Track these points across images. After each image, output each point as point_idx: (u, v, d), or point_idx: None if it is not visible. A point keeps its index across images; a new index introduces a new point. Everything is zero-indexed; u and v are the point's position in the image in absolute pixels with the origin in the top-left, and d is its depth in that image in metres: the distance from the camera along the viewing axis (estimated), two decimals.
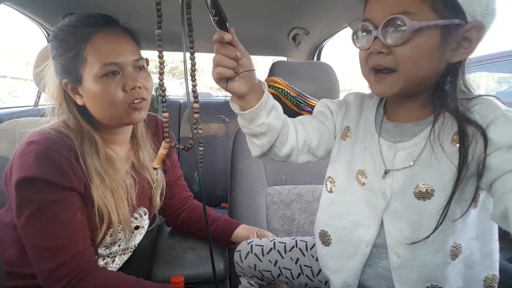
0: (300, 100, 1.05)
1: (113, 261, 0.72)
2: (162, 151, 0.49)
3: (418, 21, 0.43)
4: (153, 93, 0.64)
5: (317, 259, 0.71)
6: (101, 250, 0.67)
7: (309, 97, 1.07)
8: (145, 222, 0.78)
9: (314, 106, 1.07)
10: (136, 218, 0.74)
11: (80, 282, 0.58)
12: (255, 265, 0.73)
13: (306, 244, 0.75)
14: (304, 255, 0.73)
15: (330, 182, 0.61)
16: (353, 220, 0.56)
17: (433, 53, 0.45)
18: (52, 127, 0.62)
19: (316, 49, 1.73)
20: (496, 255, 0.53)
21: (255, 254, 0.74)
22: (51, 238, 0.57)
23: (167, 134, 0.48)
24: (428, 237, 0.48)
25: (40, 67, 0.92)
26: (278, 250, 0.74)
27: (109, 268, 0.71)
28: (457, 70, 0.48)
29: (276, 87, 1.05)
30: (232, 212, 0.98)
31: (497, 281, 0.53)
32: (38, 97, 1.64)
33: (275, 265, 0.72)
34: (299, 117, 0.63)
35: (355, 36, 0.52)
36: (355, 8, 1.12)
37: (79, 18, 0.63)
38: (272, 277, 0.74)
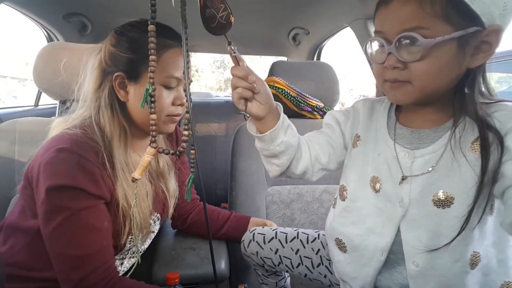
0: (300, 100, 1.05)
1: (122, 263, 0.71)
2: (147, 158, 0.44)
3: (432, 36, 0.41)
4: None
5: (317, 252, 0.72)
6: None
7: (309, 97, 1.07)
8: (156, 227, 0.79)
9: (314, 106, 1.07)
10: (150, 224, 0.75)
11: None
12: (257, 252, 0.75)
13: (307, 237, 0.75)
14: (305, 247, 0.74)
15: (343, 190, 0.60)
16: (367, 227, 0.55)
17: (451, 64, 0.44)
18: (77, 129, 0.61)
19: (316, 49, 1.74)
20: (511, 262, 0.52)
21: (256, 242, 0.75)
22: (82, 246, 0.56)
23: (153, 139, 0.44)
24: (449, 243, 0.46)
25: (40, 66, 0.93)
26: (279, 240, 0.75)
27: (123, 267, 0.71)
28: (475, 74, 0.47)
29: (276, 87, 1.05)
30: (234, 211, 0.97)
31: (482, 258, 0.52)
32: (38, 97, 1.64)
33: (275, 253, 0.74)
34: (307, 134, 0.63)
35: (367, 50, 0.51)
36: (355, 8, 1.13)
37: (159, 26, 0.65)
38: (273, 265, 0.75)
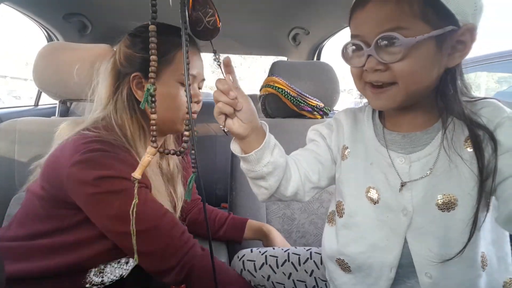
0: (300, 100, 1.05)
1: (127, 262, 0.71)
2: (147, 157, 0.44)
3: (411, 35, 0.42)
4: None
5: (310, 274, 0.68)
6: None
7: (309, 97, 1.07)
8: None
9: (314, 106, 1.07)
10: None
11: (192, 260, 0.59)
12: (250, 280, 0.72)
13: (299, 258, 0.71)
14: (297, 270, 0.70)
15: (339, 205, 0.57)
16: (370, 244, 0.52)
17: (431, 62, 0.45)
18: (100, 130, 0.61)
19: (316, 49, 1.74)
20: (510, 258, 0.51)
21: (248, 270, 0.72)
22: (149, 219, 0.57)
23: (154, 138, 0.44)
24: (462, 251, 0.45)
25: (40, 66, 0.93)
26: (270, 265, 0.71)
27: (123, 268, 0.71)
28: (454, 73, 0.47)
29: (276, 87, 1.05)
30: (233, 212, 0.97)
31: (488, 257, 0.51)
32: (38, 97, 1.64)
33: (268, 279, 0.70)
34: (293, 154, 0.60)
35: (345, 54, 0.50)
36: None
37: (171, 27, 0.66)
38: None
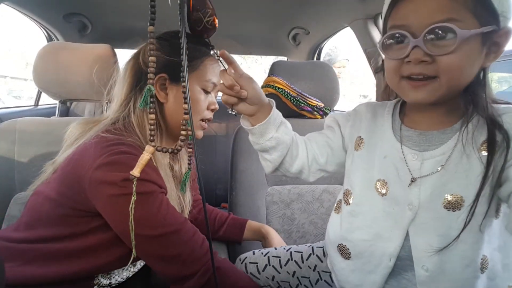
0: (300, 100, 1.05)
1: (135, 265, 0.71)
2: (146, 156, 0.44)
3: (464, 28, 0.41)
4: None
5: (314, 269, 0.69)
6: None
7: (309, 97, 1.07)
8: None
9: (314, 106, 1.07)
10: None
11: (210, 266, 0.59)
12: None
13: (301, 255, 0.72)
14: (301, 268, 0.71)
15: (348, 194, 0.58)
16: (374, 233, 0.53)
17: (476, 60, 0.44)
18: (120, 132, 0.61)
19: (316, 49, 1.74)
20: None
21: (251, 273, 0.73)
22: (169, 224, 0.57)
23: (152, 138, 0.44)
24: (454, 240, 0.46)
25: (40, 66, 0.92)
26: (273, 266, 0.72)
27: (131, 270, 0.71)
28: (485, 73, 0.47)
29: (276, 87, 1.05)
30: (232, 212, 0.97)
31: (490, 261, 0.51)
32: (38, 97, 1.64)
33: (272, 280, 0.71)
34: (308, 135, 0.63)
35: (384, 45, 0.48)
36: (355, 8, 1.13)
37: (199, 37, 0.68)
38: None
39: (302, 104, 1.06)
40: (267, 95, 1.16)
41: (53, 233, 0.59)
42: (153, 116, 0.44)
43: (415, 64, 0.44)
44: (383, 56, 0.51)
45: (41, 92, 1.62)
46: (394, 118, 0.57)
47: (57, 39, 1.48)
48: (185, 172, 0.48)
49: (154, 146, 0.44)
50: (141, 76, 0.66)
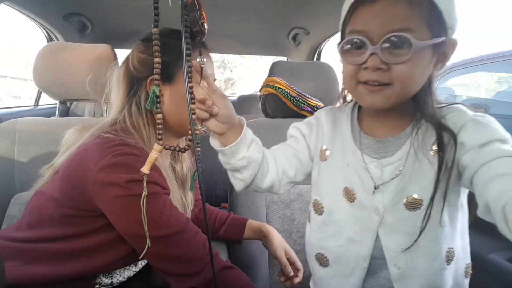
0: (300, 100, 1.05)
1: (136, 264, 0.72)
2: (155, 154, 0.45)
3: (418, 39, 0.42)
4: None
5: None
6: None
7: (309, 97, 1.07)
8: None
9: (314, 106, 1.07)
10: None
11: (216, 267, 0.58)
12: None
13: None
14: None
15: (318, 204, 0.60)
16: (347, 237, 0.56)
17: (426, 69, 0.47)
18: (121, 134, 0.61)
19: (316, 49, 1.74)
20: (469, 245, 0.56)
21: None
22: (173, 224, 0.57)
23: (160, 136, 0.45)
24: (415, 242, 0.50)
25: (40, 66, 0.92)
26: None
27: (132, 270, 0.71)
28: (431, 82, 0.50)
29: (276, 87, 1.05)
30: (233, 212, 0.97)
31: (471, 267, 0.57)
32: (38, 97, 1.64)
33: None
34: (275, 148, 0.62)
35: (342, 49, 0.49)
36: None
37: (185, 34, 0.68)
38: None
39: (302, 104, 1.06)
40: (267, 95, 1.16)
41: (55, 233, 0.59)
42: (160, 116, 0.44)
43: (372, 71, 0.46)
44: (341, 60, 0.52)
45: (41, 92, 1.62)
46: (353, 124, 0.58)
47: (57, 39, 1.48)
48: (194, 171, 0.49)
49: (162, 145, 0.45)
50: (133, 81, 0.66)
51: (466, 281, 0.56)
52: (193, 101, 0.45)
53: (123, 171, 0.54)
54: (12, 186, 0.86)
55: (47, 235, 0.59)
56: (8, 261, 0.57)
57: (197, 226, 0.86)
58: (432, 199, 0.48)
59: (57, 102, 1.16)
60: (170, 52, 0.61)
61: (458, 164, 0.48)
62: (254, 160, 0.53)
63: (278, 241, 0.85)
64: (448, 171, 0.48)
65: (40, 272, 0.57)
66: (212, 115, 0.49)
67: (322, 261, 0.60)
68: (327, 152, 0.59)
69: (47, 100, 1.68)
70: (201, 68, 0.47)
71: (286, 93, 1.04)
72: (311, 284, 0.68)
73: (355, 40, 0.46)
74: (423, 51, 0.44)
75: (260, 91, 1.13)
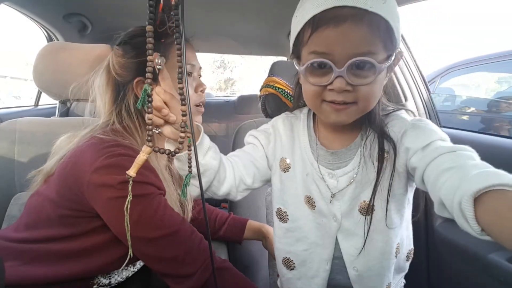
0: None
1: (134, 265, 0.72)
2: (143, 156, 0.43)
3: (379, 60, 0.44)
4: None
5: None
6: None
7: None
8: None
9: None
10: None
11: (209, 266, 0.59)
12: None
13: None
14: None
15: (282, 213, 0.62)
16: (311, 242, 0.59)
17: (383, 84, 0.50)
18: (114, 135, 0.60)
19: None
20: (411, 233, 0.61)
21: None
22: (167, 225, 0.57)
23: (149, 138, 0.43)
24: (364, 245, 0.54)
25: (40, 66, 0.92)
26: None
27: (130, 270, 0.71)
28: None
29: (276, 87, 1.05)
30: (233, 212, 0.97)
31: (413, 251, 0.62)
32: (38, 97, 1.64)
33: None
34: (232, 155, 0.62)
35: (307, 71, 0.48)
36: None
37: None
38: None
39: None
40: (267, 95, 1.17)
41: (53, 234, 0.59)
42: (151, 116, 0.43)
43: (337, 92, 0.47)
44: (300, 77, 0.54)
45: (41, 92, 1.62)
46: (310, 134, 0.60)
47: (57, 39, 1.48)
48: (186, 176, 0.48)
49: (151, 147, 0.43)
50: (119, 87, 0.65)
51: (407, 264, 0.61)
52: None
53: (116, 172, 0.53)
54: (12, 186, 0.86)
55: (45, 235, 0.59)
56: (7, 261, 0.57)
57: (197, 226, 0.87)
58: (371, 201, 0.52)
59: (57, 102, 1.16)
60: (146, 51, 0.62)
61: (408, 167, 0.51)
62: (210, 167, 0.52)
63: None
64: (389, 177, 0.52)
65: (38, 272, 0.57)
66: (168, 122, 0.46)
67: (288, 264, 0.62)
68: (288, 162, 0.60)
69: (47, 100, 1.68)
70: (158, 70, 0.44)
71: (286, 93, 1.04)
72: (278, 284, 0.71)
73: (319, 62, 0.46)
74: (382, 71, 0.46)
75: (260, 91, 1.13)
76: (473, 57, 2.38)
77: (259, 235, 0.89)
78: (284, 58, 2.06)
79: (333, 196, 0.56)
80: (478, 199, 0.33)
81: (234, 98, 2.44)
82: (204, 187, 0.53)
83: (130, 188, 0.43)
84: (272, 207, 0.65)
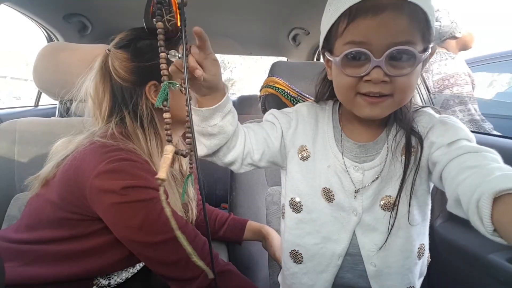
0: (300, 101, 1.05)
1: (134, 266, 0.72)
2: (168, 156, 0.41)
3: (418, 50, 0.44)
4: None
5: None
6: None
7: (309, 97, 1.07)
8: None
9: None
10: None
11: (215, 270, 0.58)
12: None
13: None
14: None
15: (296, 203, 0.59)
16: (323, 236, 0.57)
17: (418, 78, 0.49)
18: (116, 140, 0.59)
19: (316, 49, 1.74)
20: (428, 230, 0.59)
21: None
22: (170, 230, 0.56)
23: (169, 138, 0.42)
24: (386, 240, 0.53)
25: (40, 66, 0.92)
26: None
27: (130, 271, 0.71)
28: None
29: (276, 87, 1.05)
30: (233, 212, 0.97)
31: (429, 255, 0.60)
32: (38, 97, 1.64)
33: None
34: (247, 125, 0.59)
35: (342, 61, 0.47)
36: None
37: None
38: None
39: None
40: (267, 96, 1.17)
41: (53, 235, 0.59)
42: (168, 114, 0.42)
43: (374, 84, 0.46)
44: (333, 69, 0.52)
45: (41, 93, 1.62)
46: (335, 126, 0.58)
47: (57, 40, 1.48)
48: (186, 177, 0.48)
49: (174, 145, 0.42)
50: (122, 93, 0.64)
51: (426, 268, 0.60)
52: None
53: (119, 178, 0.53)
54: (12, 187, 0.86)
55: (46, 236, 0.59)
56: (7, 261, 0.57)
57: (197, 227, 0.86)
58: (397, 198, 0.51)
59: (57, 102, 1.16)
60: (158, 53, 0.61)
61: (429, 161, 0.50)
62: (225, 131, 0.51)
63: (278, 242, 0.85)
64: (414, 173, 0.51)
65: (38, 273, 0.57)
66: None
67: (296, 258, 0.60)
68: (308, 152, 0.58)
69: (47, 101, 1.68)
70: (184, 56, 0.41)
71: (286, 93, 1.04)
72: (279, 279, 0.69)
73: (356, 52, 0.45)
74: (421, 61, 0.45)
75: (260, 91, 1.13)
76: (473, 57, 2.38)
77: (259, 236, 0.89)
78: (284, 59, 2.06)
79: (357, 191, 0.54)
80: (498, 199, 0.33)
81: (234, 98, 2.44)
82: (212, 149, 0.53)
83: (162, 190, 0.41)
84: (284, 196, 0.63)
